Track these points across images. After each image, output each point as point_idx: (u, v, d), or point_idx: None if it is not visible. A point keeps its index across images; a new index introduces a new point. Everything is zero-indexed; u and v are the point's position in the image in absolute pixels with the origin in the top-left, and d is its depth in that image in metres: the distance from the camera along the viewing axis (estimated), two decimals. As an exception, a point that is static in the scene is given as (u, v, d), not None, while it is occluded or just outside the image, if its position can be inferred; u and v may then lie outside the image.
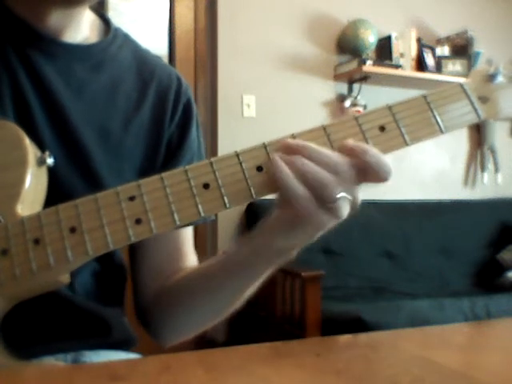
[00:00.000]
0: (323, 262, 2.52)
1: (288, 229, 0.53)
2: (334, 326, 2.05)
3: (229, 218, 2.61)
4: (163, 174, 0.50)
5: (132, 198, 0.49)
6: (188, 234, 0.77)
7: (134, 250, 0.75)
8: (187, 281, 0.71)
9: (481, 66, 0.57)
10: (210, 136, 2.67)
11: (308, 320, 2.04)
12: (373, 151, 0.49)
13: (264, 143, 0.50)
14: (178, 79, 0.77)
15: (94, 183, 0.65)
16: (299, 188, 0.48)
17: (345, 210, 0.50)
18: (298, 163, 0.48)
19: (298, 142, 0.50)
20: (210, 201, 0.49)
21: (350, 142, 0.50)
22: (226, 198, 0.49)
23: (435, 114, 0.52)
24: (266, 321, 2.29)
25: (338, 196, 0.48)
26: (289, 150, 0.49)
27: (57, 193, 0.57)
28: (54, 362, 0.63)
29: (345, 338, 0.56)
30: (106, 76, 0.70)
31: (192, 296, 0.70)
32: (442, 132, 0.52)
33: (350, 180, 0.48)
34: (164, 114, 0.73)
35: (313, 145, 0.49)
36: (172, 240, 0.75)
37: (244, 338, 2.30)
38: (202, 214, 0.49)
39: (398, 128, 0.51)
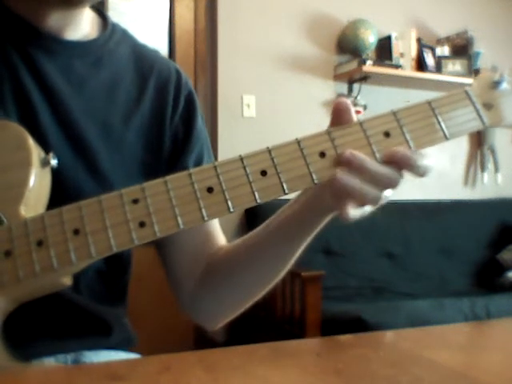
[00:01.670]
0: (323, 261, 2.52)
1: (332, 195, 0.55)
2: (334, 326, 2.05)
3: (229, 218, 2.61)
4: (167, 178, 0.50)
5: (136, 201, 0.49)
6: None
7: (165, 245, 0.75)
8: (233, 254, 0.72)
9: (485, 72, 0.57)
10: (210, 136, 2.65)
11: (308, 320, 2.04)
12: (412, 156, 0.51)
13: (268, 147, 0.50)
14: (178, 72, 0.77)
15: (98, 179, 0.65)
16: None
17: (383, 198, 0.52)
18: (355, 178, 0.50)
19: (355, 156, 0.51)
20: (213, 205, 0.49)
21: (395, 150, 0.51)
22: (229, 202, 0.49)
23: (440, 120, 0.52)
24: (266, 321, 2.29)
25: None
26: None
27: (63, 190, 0.57)
28: (55, 363, 0.63)
29: (345, 338, 0.56)
30: (105, 72, 0.70)
31: (243, 266, 0.70)
32: (446, 138, 0.52)
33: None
34: (165, 108, 0.73)
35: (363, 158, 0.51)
36: (202, 226, 0.75)
37: (244, 338, 2.30)
38: (206, 218, 0.49)
39: (402, 134, 0.51)
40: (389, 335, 0.61)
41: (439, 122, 0.52)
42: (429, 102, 0.53)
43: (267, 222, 0.66)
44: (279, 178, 0.50)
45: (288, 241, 0.64)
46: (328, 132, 0.51)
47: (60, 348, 0.66)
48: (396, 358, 0.49)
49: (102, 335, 0.70)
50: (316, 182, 0.50)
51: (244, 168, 0.50)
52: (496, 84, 0.54)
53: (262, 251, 0.67)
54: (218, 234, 0.77)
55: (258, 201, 0.50)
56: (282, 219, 0.63)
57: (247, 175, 0.50)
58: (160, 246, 0.76)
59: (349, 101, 0.53)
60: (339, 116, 0.52)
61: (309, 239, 0.63)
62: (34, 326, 0.63)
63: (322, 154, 0.50)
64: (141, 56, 0.75)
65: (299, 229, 0.62)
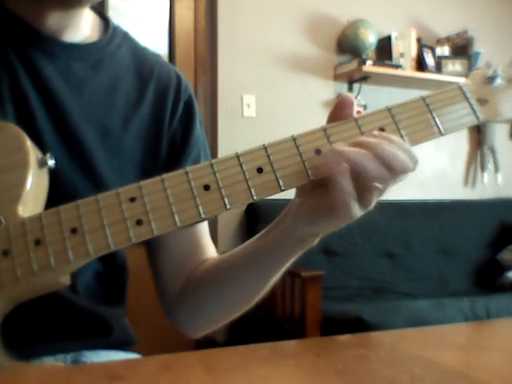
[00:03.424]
0: (323, 261, 2.52)
1: (313, 217, 0.53)
2: (334, 325, 2.05)
3: (229, 218, 2.61)
4: (164, 176, 0.50)
5: (133, 199, 0.49)
6: (205, 226, 0.77)
7: (154, 249, 0.75)
8: (213, 271, 0.71)
9: (480, 67, 0.57)
10: (210, 136, 2.67)
11: (308, 320, 2.04)
12: (398, 142, 0.49)
13: (264, 145, 0.50)
14: (178, 76, 0.77)
15: (95, 181, 0.65)
16: (349, 182, 0.48)
17: (374, 200, 0.51)
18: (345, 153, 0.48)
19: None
20: (210, 202, 0.49)
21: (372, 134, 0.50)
22: (226, 200, 0.49)
23: (434, 115, 0.52)
24: (266, 321, 2.29)
25: (375, 184, 0.49)
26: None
27: (59, 191, 0.57)
28: (54, 363, 0.63)
29: (345, 338, 0.56)
30: (105, 74, 0.70)
31: (219, 285, 0.70)
32: (441, 134, 0.52)
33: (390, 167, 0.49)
34: (164, 112, 0.73)
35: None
36: (190, 234, 0.75)
37: (244, 338, 2.30)
38: (203, 216, 0.49)
39: (397, 130, 0.51)
40: (389, 335, 0.61)
41: (434, 118, 0.52)
42: (423, 98, 0.53)
43: (245, 244, 0.65)
44: (275, 175, 0.50)
45: (261, 269, 0.64)
46: (324, 129, 0.51)
47: (60, 348, 0.66)
48: (396, 358, 0.49)
49: (102, 335, 0.70)
50: (312, 178, 0.50)
51: (240, 165, 0.50)
52: (490, 79, 0.55)
53: (238, 273, 0.67)
54: (207, 245, 0.77)
55: (255, 198, 0.50)
56: (254, 248, 0.63)
57: (243, 172, 0.50)
58: (149, 249, 0.76)
59: (353, 97, 0.53)
60: (341, 111, 0.52)
61: (284, 268, 0.62)
62: (33, 327, 0.63)
63: (318, 151, 0.50)
64: (141, 59, 0.75)
65: (270, 260, 0.61)
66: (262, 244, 0.61)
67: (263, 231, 0.62)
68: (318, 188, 0.52)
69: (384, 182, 0.50)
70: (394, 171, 0.49)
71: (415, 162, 0.50)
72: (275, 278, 0.65)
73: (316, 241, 0.57)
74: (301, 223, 0.55)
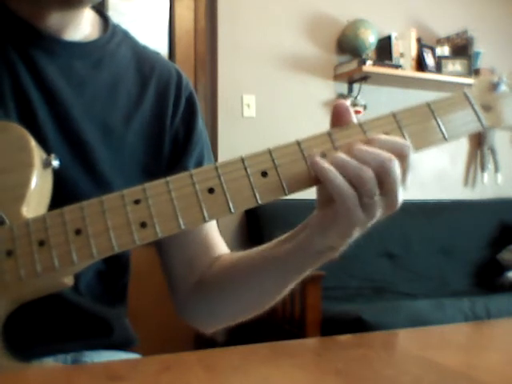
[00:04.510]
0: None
1: (325, 227, 0.53)
2: (334, 325, 2.05)
3: (229, 219, 2.60)
4: (168, 178, 0.50)
5: (137, 202, 0.49)
6: (213, 222, 0.77)
7: (163, 248, 0.75)
8: (231, 270, 0.71)
9: (485, 74, 0.57)
10: (210, 136, 2.65)
11: (308, 320, 2.04)
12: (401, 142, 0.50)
13: (269, 148, 0.51)
14: (178, 74, 0.77)
15: (98, 180, 0.65)
16: (343, 183, 0.49)
17: (379, 209, 0.51)
18: (338, 160, 0.49)
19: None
20: (214, 205, 0.49)
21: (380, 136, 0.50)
22: (230, 203, 0.49)
23: (439, 122, 0.52)
24: (266, 321, 2.29)
25: (377, 193, 0.50)
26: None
27: (62, 190, 0.57)
28: (54, 363, 0.63)
29: (345, 338, 0.56)
30: (106, 73, 0.70)
31: (237, 283, 0.69)
32: (445, 140, 0.52)
33: (391, 175, 0.50)
34: (165, 109, 0.73)
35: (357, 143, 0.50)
36: (199, 231, 0.75)
37: (244, 338, 2.30)
38: (207, 219, 0.49)
39: (401, 135, 0.51)
40: (389, 335, 0.61)
41: (438, 124, 0.52)
42: (428, 104, 0.53)
43: (264, 247, 0.65)
44: (280, 179, 0.50)
45: (280, 275, 0.63)
46: (328, 133, 0.51)
47: (61, 348, 0.66)
48: (396, 358, 0.49)
49: (103, 335, 0.70)
50: (316, 182, 0.50)
51: (245, 169, 0.50)
52: (495, 86, 0.55)
53: (256, 274, 0.66)
54: (217, 242, 0.77)
55: (259, 201, 0.50)
56: (273, 255, 0.62)
57: (248, 176, 0.50)
58: (159, 248, 0.76)
59: (347, 102, 0.53)
60: (339, 118, 0.52)
61: (302, 275, 0.61)
62: (34, 327, 0.63)
63: (323, 155, 0.50)
64: (141, 57, 0.75)
65: (288, 270, 0.61)
66: (280, 252, 0.60)
67: (282, 237, 0.61)
68: (332, 199, 0.51)
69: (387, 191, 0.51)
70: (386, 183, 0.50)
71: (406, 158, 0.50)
72: (291, 286, 0.64)
73: (335, 254, 0.58)
74: (314, 234, 0.55)
